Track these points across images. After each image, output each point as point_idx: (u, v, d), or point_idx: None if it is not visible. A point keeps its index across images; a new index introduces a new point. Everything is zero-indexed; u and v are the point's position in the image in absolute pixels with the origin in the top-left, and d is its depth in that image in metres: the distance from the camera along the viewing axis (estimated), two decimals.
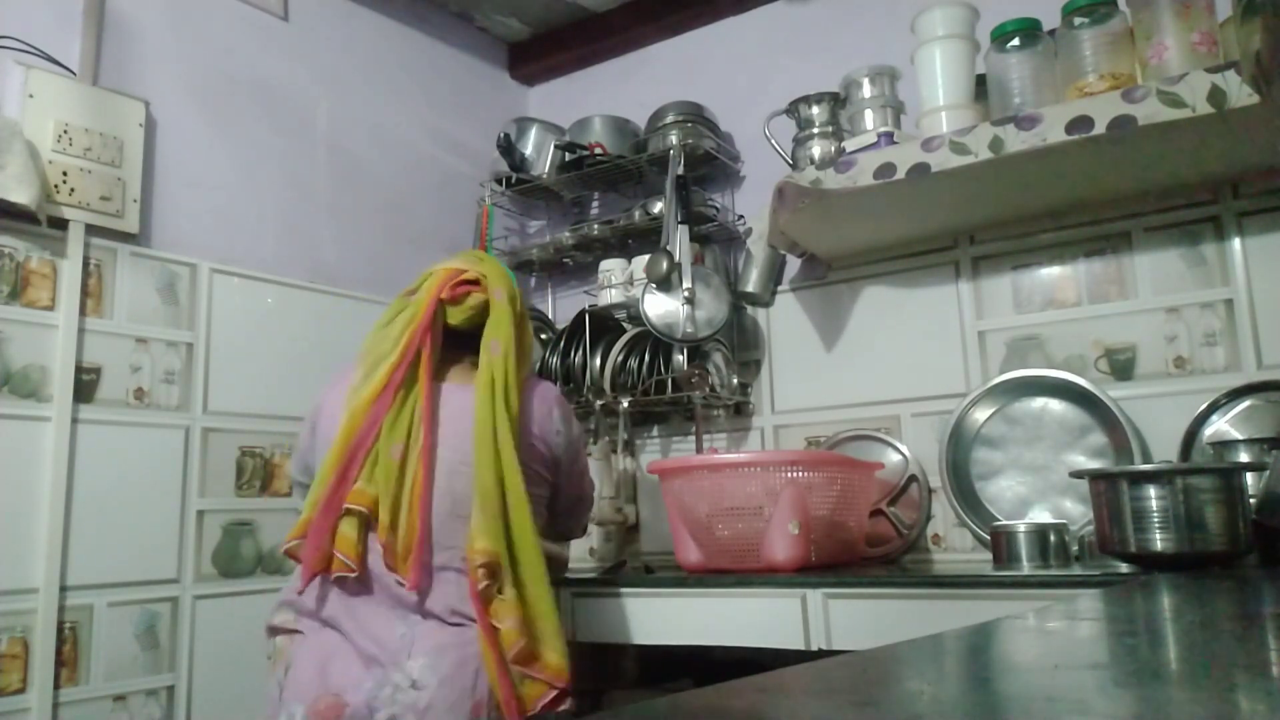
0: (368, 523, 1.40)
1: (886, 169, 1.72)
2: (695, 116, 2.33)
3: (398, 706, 1.31)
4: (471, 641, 1.36)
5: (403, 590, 1.38)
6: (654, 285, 2.09)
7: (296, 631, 1.45)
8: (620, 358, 2.23)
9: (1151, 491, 1.33)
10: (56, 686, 1.66)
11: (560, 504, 1.62)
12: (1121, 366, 1.87)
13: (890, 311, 2.14)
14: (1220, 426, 1.73)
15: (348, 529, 1.39)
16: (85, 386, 1.77)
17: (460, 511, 1.41)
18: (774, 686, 0.52)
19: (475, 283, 1.55)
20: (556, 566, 1.76)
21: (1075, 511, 1.81)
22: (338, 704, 1.32)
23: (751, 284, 2.17)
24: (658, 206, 2.29)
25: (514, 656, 1.35)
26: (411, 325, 1.49)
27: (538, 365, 2.36)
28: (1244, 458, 1.55)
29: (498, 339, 1.49)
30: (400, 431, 1.42)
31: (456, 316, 1.53)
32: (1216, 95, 1.46)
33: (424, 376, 1.46)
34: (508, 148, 2.44)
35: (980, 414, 1.96)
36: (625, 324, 2.34)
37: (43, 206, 1.69)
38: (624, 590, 1.71)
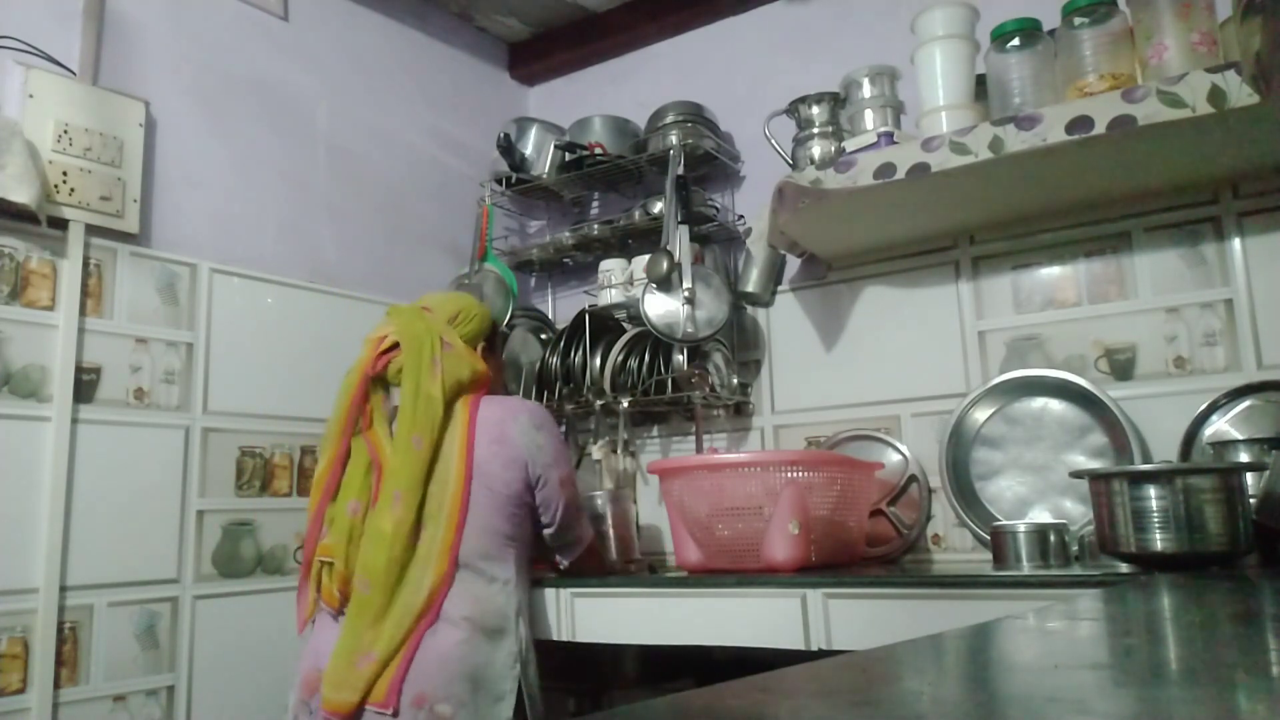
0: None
1: (886, 169, 1.72)
2: (695, 116, 2.32)
3: None
4: (433, 635, 1.52)
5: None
6: (654, 285, 2.09)
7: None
8: (620, 358, 2.23)
9: (1151, 491, 1.33)
10: (56, 686, 1.66)
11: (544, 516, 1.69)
12: (1121, 366, 1.87)
13: (890, 311, 2.13)
14: (1220, 426, 1.73)
15: (326, 577, 1.59)
16: (85, 386, 1.77)
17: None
18: (774, 686, 0.52)
19: (395, 346, 1.68)
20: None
21: (1075, 511, 1.81)
22: (317, 673, 1.54)
23: (751, 284, 2.17)
24: (658, 206, 2.29)
25: None
26: (344, 408, 1.66)
27: (538, 365, 2.36)
28: (1244, 458, 1.55)
29: (405, 401, 1.63)
30: (352, 491, 1.62)
31: (393, 381, 1.68)
32: (1216, 95, 1.46)
33: (365, 445, 1.64)
34: (508, 148, 2.44)
35: (980, 414, 1.96)
36: (625, 324, 2.34)
37: (43, 206, 1.69)
38: (624, 590, 1.71)
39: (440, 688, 1.48)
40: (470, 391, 1.68)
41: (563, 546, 1.74)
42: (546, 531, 1.70)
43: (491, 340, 1.82)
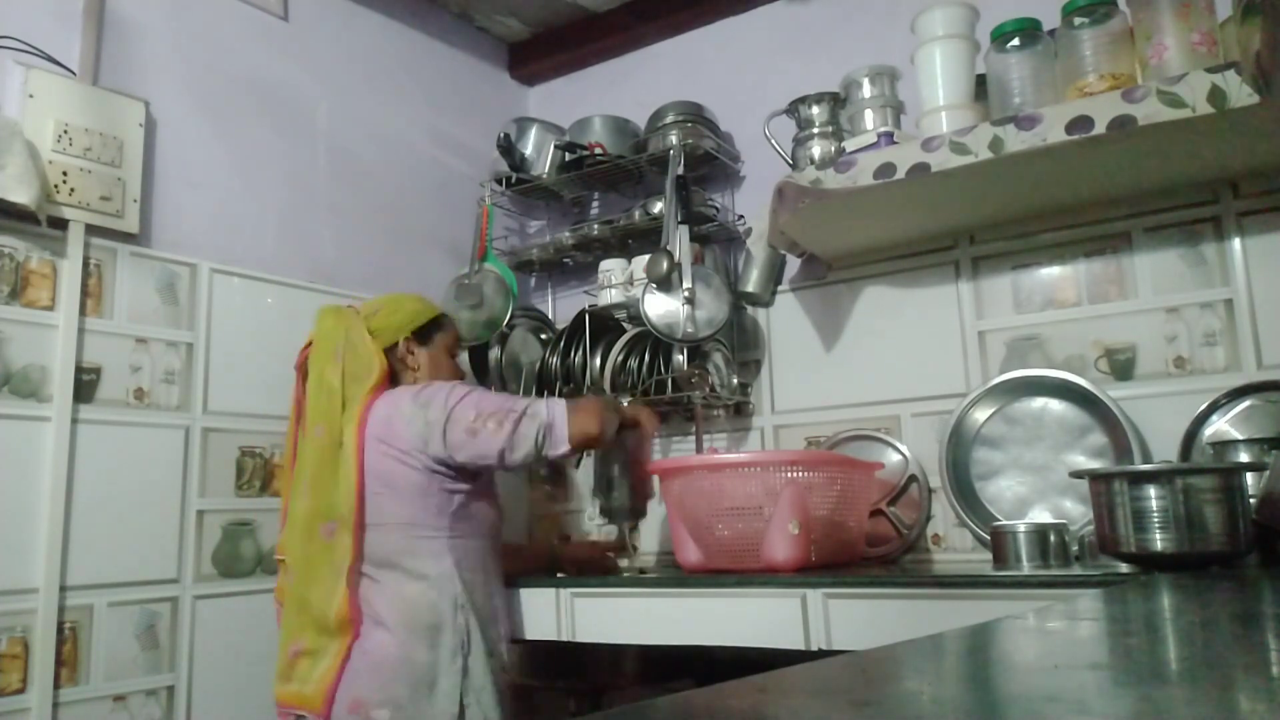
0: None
1: (886, 169, 1.72)
2: (695, 116, 2.32)
3: None
4: (365, 639, 1.57)
5: None
6: (654, 285, 2.08)
7: None
8: (620, 358, 2.23)
9: (1151, 491, 1.33)
10: (56, 686, 1.66)
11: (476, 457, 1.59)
12: (1121, 366, 1.87)
13: (890, 311, 2.13)
14: (1220, 426, 1.72)
15: (280, 572, 1.69)
16: (85, 386, 1.77)
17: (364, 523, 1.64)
18: (774, 686, 0.52)
19: (309, 344, 1.76)
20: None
21: (1075, 511, 1.81)
22: None
23: (751, 284, 2.17)
24: (658, 206, 2.29)
25: None
26: (291, 412, 1.79)
27: (538, 365, 2.36)
28: (1244, 458, 1.55)
29: (310, 391, 1.71)
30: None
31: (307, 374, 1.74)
32: (1216, 95, 1.46)
33: (294, 440, 1.74)
34: (508, 148, 2.43)
35: (980, 414, 1.96)
36: (625, 324, 2.34)
37: (43, 206, 1.69)
38: (624, 590, 1.71)
39: (376, 691, 1.49)
40: (370, 387, 1.67)
41: (540, 458, 1.59)
42: (511, 467, 1.60)
43: (422, 333, 1.79)
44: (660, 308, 2.08)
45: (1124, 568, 1.41)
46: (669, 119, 2.32)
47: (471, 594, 1.61)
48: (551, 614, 1.73)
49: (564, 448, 1.60)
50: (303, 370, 1.75)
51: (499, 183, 2.51)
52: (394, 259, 2.39)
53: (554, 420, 1.60)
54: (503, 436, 1.57)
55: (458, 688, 1.53)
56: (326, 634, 1.55)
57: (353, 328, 1.72)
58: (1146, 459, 1.77)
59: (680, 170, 2.16)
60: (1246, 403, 1.72)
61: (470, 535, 1.65)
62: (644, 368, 2.18)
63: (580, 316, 2.31)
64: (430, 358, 1.79)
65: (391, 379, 1.72)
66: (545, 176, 2.46)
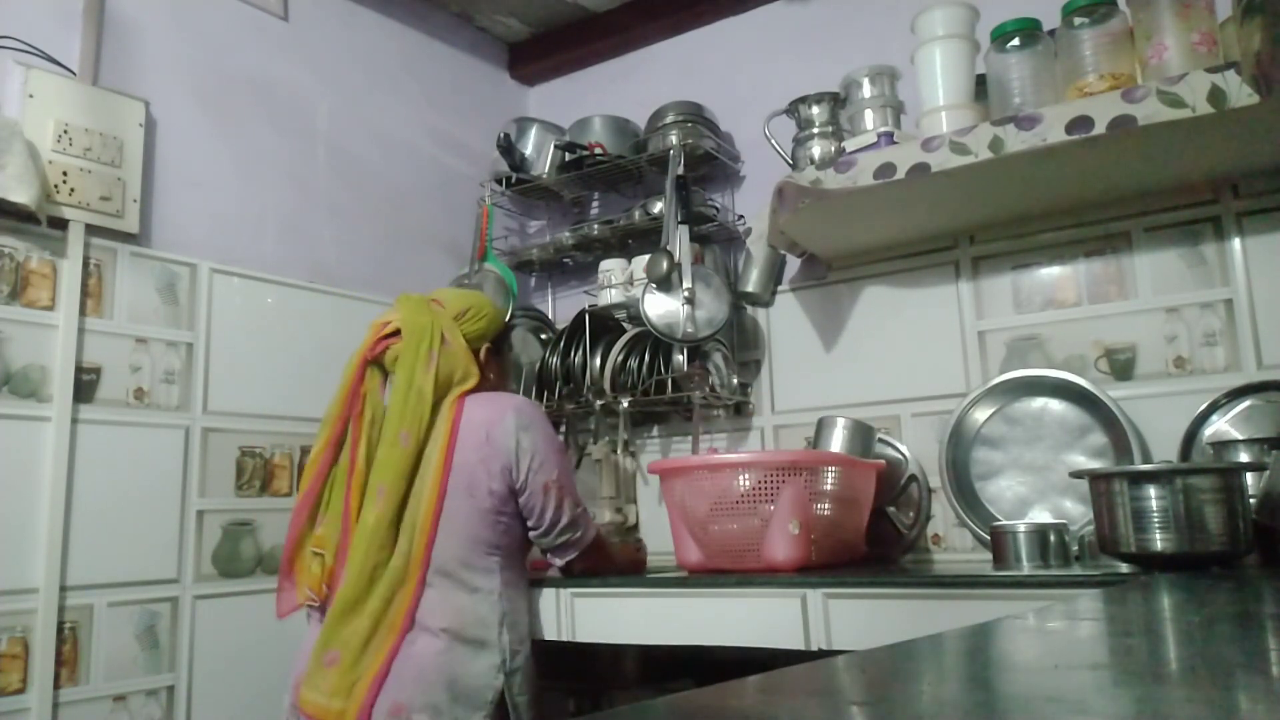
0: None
1: (886, 169, 1.72)
2: (695, 116, 2.32)
3: None
4: (410, 644, 1.51)
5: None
6: (654, 285, 2.09)
7: None
8: (620, 358, 2.23)
9: (1151, 491, 1.33)
10: (56, 686, 1.66)
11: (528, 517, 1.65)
12: (1121, 366, 1.87)
13: (890, 311, 2.13)
14: (1220, 426, 1.72)
15: (315, 567, 1.59)
16: (85, 386, 1.77)
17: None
18: (774, 686, 0.52)
19: (397, 333, 1.65)
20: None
21: (1075, 511, 1.81)
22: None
23: (751, 284, 2.17)
24: (658, 206, 2.29)
25: None
26: (343, 391, 1.66)
27: (538, 365, 2.36)
28: (1244, 458, 1.55)
29: (397, 393, 1.61)
30: (346, 483, 1.62)
31: (389, 368, 1.65)
32: (1216, 95, 1.46)
33: (352, 435, 1.63)
34: (508, 148, 2.44)
35: (980, 414, 1.96)
36: (625, 324, 2.34)
37: (43, 206, 1.69)
38: (624, 590, 1.71)
39: (417, 697, 1.47)
40: (464, 393, 1.64)
41: (555, 549, 1.67)
42: (533, 534, 1.65)
43: (498, 342, 1.78)
44: (660, 308, 2.08)
45: (1124, 568, 1.41)
46: (669, 119, 2.32)
47: (515, 615, 1.60)
48: (552, 614, 1.73)
49: (559, 563, 1.71)
50: (376, 362, 1.66)
51: (499, 183, 2.51)
52: (394, 259, 2.40)
53: (579, 545, 1.68)
54: (552, 522, 1.63)
55: (495, 703, 1.51)
56: (367, 640, 1.50)
57: (447, 328, 1.66)
58: (1146, 459, 1.77)
59: (680, 170, 2.16)
60: (1246, 403, 1.72)
61: (517, 559, 1.65)
62: (644, 368, 2.18)
63: (580, 316, 2.31)
64: (501, 368, 1.79)
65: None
66: (545, 176, 2.46)
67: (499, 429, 1.59)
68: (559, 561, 1.71)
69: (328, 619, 1.53)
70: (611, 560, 1.79)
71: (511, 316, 2.37)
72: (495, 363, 1.76)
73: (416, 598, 1.53)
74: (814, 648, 1.49)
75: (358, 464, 1.60)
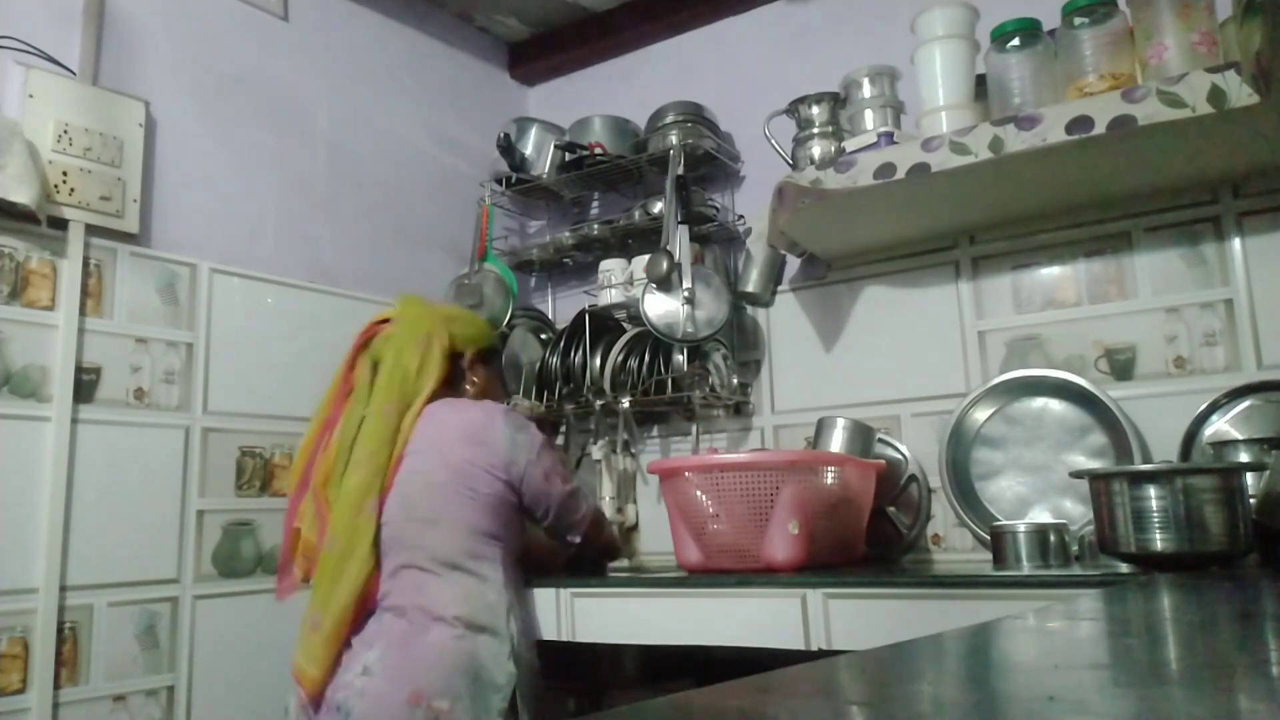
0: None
1: (886, 169, 1.72)
2: (695, 116, 2.32)
3: (349, 690, 1.50)
4: (424, 633, 1.52)
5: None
6: (654, 285, 2.09)
7: None
8: (620, 358, 2.23)
9: (1151, 491, 1.33)
10: (56, 686, 1.66)
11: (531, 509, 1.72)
12: (1121, 366, 1.87)
13: (890, 311, 2.13)
14: (1220, 426, 1.72)
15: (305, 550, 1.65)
16: (85, 386, 1.77)
17: (416, 515, 1.60)
18: (774, 686, 0.52)
19: (388, 321, 1.74)
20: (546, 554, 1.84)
21: (1075, 511, 1.81)
22: None
23: (751, 284, 2.17)
24: (658, 206, 2.29)
25: None
26: (335, 379, 1.73)
27: (538, 365, 2.36)
28: (1244, 458, 1.55)
29: (385, 369, 1.68)
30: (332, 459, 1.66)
31: (376, 355, 1.71)
32: (1216, 95, 1.46)
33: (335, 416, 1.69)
34: (508, 148, 2.43)
35: (980, 414, 1.96)
36: (625, 324, 2.34)
37: (43, 206, 1.69)
38: (624, 590, 1.71)
39: (436, 683, 1.48)
40: (433, 388, 1.69)
41: (568, 529, 1.75)
42: (543, 523, 1.72)
43: (486, 354, 1.84)
44: (660, 308, 2.08)
45: (1124, 568, 1.41)
46: (669, 119, 2.32)
47: (519, 608, 1.65)
48: (551, 614, 1.73)
49: (575, 539, 1.77)
50: (364, 346, 1.73)
51: (499, 183, 2.51)
52: (394, 259, 2.40)
53: (582, 525, 1.76)
54: (559, 511, 1.71)
55: (510, 687, 1.55)
56: (343, 615, 1.55)
57: (436, 327, 1.74)
58: (1146, 459, 1.77)
59: (680, 170, 2.16)
60: (1246, 403, 1.72)
61: (516, 553, 1.70)
62: (644, 368, 2.18)
63: (580, 316, 2.31)
64: (488, 379, 1.84)
65: (447, 387, 1.74)
66: (545, 176, 2.46)
67: (493, 430, 1.65)
68: (575, 539, 1.77)
69: (316, 582, 1.59)
70: (612, 533, 1.91)
71: (511, 317, 2.37)
72: (482, 371, 1.81)
73: (375, 588, 1.58)
74: (814, 648, 1.49)
75: (333, 441, 1.66)
